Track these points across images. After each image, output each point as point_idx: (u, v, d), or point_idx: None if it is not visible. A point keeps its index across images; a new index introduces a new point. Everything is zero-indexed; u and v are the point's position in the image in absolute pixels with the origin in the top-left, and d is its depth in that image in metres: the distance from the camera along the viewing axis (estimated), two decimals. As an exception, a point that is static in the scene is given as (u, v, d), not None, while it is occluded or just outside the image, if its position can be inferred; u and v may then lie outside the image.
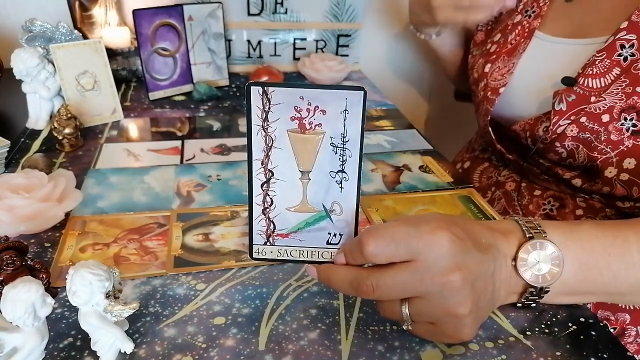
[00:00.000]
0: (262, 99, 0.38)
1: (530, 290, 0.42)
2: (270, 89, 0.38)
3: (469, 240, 0.38)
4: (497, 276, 0.40)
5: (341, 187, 0.41)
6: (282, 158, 0.40)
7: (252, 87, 0.38)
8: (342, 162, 0.40)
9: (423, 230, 0.37)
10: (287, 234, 0.43)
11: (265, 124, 0.39)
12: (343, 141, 0.39)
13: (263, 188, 0.41)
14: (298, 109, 0.38)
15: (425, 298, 0.38)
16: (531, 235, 0.42)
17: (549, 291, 0.43)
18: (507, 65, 0.70)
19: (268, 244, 0.43)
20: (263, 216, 0.42)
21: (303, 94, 0.38)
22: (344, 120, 0.38)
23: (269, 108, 0.38)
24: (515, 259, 0.41)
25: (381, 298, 0.39)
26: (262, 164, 0.40)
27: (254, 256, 0.44)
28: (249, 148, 0.40)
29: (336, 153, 0.40)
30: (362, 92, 0.38)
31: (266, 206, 0.42)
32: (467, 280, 0.37)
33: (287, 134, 0.39)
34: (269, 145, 0.40)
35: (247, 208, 0.42)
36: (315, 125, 0.39)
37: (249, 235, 0.43)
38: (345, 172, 0.40)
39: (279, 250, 0.43)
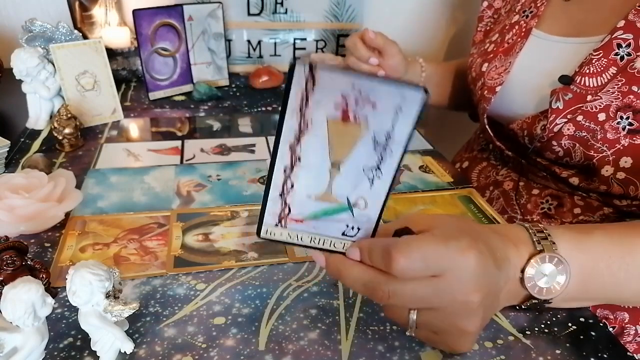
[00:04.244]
0: (307, 79, 0.34)
1: (533, 301, 0.43)
2: (320, 69, 0.33)
3: (490, 257, 0.38)
4: (504, 287, 0.40)
5: (372, 185, 0.38)
6: (314, 145, 0.36)
7: (297, 64, 0.33)
8: (380, 160, 0.37)
9: (453, 249, 0.36)
10: (302, 219, 0.40)
11: (304, 107, 0.35)
12: (387, 139, 0.36)
13: (286, 172, 0.38)
14: (345, 97, 0.34)
15: (437, 311, 0.37)
16: (541, 248, 0.41)
17: (551, 302, 0.43)
18: (504, 64, 0.70)
19: (279, 226, 0.40)
20: (280, 198, 0.39)
21: (355, 82, 0.34)
22: (395, 118, 0.35)
23: (313, 90, 0.34)
24: (523, 270, 0.41)
25: (394, 305, 0.38)
26: (290, 147, 0.36)
27: (261, 235, 0.40)
28: (279, 127, 0.36)
29: (376, 150, 0.36)
30: (423, 91, 0.34)
31: (285, 189, 0.38)
32: (483, 302, 0.37)
33: (327, 121, 0.35)
34: (303, 130, 0.36)
35: (263, 190, 0.39)
36: (360, 118, 0.35)
37: (260, 213, 0.39)
38: (380, 171, 0.37)
39: (289, 234, 0.40)
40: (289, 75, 0.33)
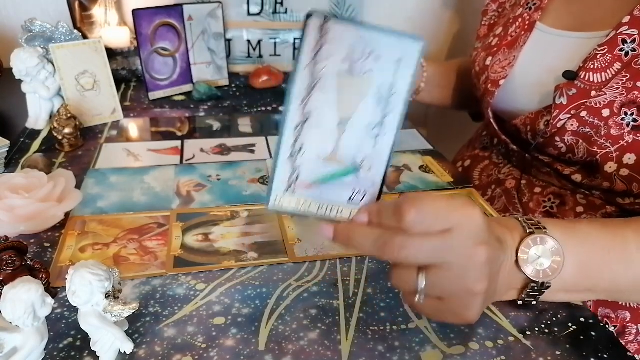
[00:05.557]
0: (321, 31, 0.36)
1: (531, 285, 0.43)
2: (332, 21, 0.35)
3: (490, 227, 0.39)
4: (502, 268, 0.41)
5: (375, 143, 0.39)
6: (323, 101, 0.38)
7: (313, 16, 0.36)
8: (384, 115, 0.38)
9: (460, 204, 0.38)
10: (310, 183, 0.40)
11: (316, 60, 0.37)
12: (389, 93, 0.37)
13: (296, 130, 0.39)
14: (353, 49, 0.36)
15: (445, 268, 0.37)
16: (532, 230, 0.42)
17: (549, 287, 0.43)
18: (508, 57, 0.70)
19: (289, 191, 0.41)
20: (289, 162, 0.40)
21: (363, 34, 0.35)
22: (396, 70, 0.36)
23: (325, 42, 0.36)
24: (517, 253, 0.42)
25: (404, 261, 0.37)
26: (302, 102, 0.38)
27: (270, 206, 0.41)
28: (292, 83, 0.37)
29: (379, 105, 0.38)
30: (422, 42, 0.35)
31: (295, 151, 0.39)
32: (490, 259, 0.37)
33: (336, 75, 0.37)
34: (314, 84, 0.37)
35: (273, 155, 0.41)
36: (366, 72, 0.37)
37: (270, 182, 0.40)
38: (383, 127, 0.38)
39: (298, 200, 0.41)
40: (304, 28, 0.36)
